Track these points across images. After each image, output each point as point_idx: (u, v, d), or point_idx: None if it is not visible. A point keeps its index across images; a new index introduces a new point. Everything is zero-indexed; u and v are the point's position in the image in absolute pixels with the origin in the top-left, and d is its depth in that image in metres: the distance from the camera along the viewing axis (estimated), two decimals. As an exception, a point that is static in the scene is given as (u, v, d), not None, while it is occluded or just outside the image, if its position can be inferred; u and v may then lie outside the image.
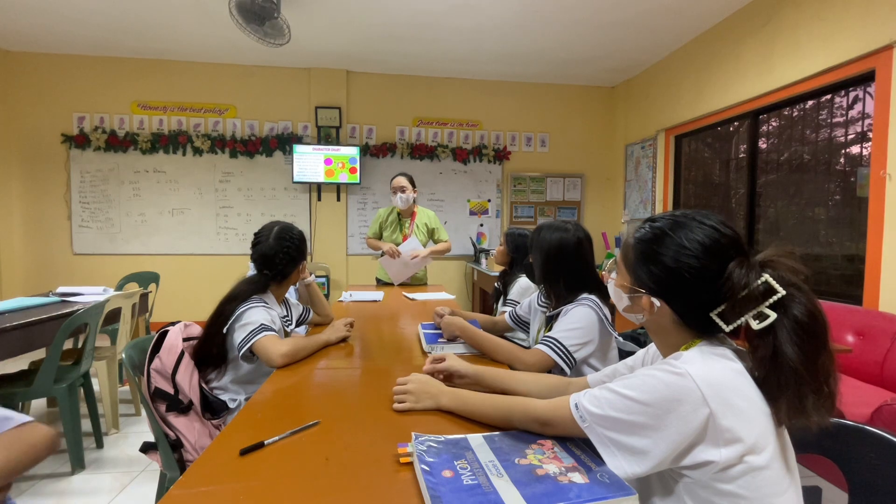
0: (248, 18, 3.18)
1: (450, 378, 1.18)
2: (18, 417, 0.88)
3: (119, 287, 3.81)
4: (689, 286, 0.76)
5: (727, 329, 0.73)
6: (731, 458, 0.66)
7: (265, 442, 0.87)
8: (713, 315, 0.74)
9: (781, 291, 0.68)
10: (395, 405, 1.05)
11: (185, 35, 4.18)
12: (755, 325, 0.70)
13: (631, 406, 0.70)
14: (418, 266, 3.14)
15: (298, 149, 4.81)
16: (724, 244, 0.75)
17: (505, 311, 2.01)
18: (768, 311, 0.69)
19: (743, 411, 0.67)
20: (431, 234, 3.28)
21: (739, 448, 0.66)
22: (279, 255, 1.65)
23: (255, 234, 1.71)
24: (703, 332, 0.77)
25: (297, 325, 1.91)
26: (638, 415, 0.69)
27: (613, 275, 0.90)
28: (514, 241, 2.39)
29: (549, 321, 1.59)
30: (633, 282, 0.83)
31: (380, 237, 3.25)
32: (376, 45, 4.37)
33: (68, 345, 2.81)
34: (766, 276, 0.69)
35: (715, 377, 0.68)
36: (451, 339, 1.62)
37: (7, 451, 0.82)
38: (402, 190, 3.08)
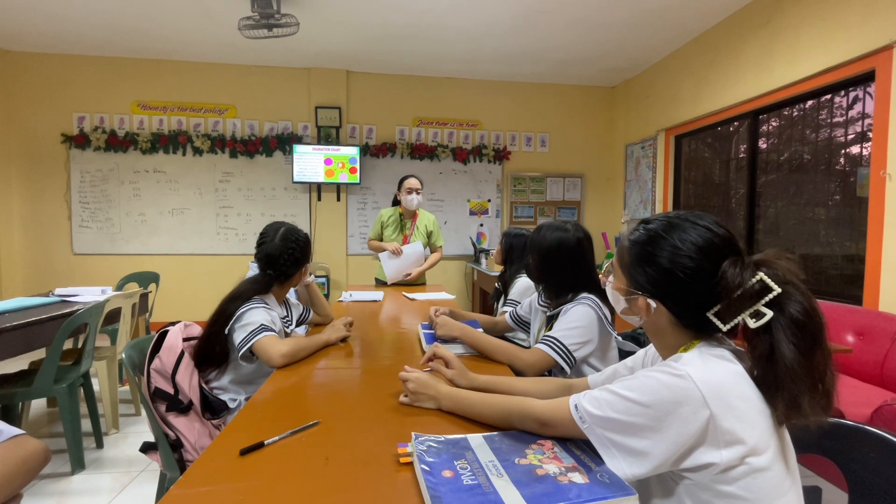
0: (257, 28, 3.30)
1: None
2: (9, 430, 0.86)
3: (119, 287, 3.80)
4: (685, 287, 0.76)
5: (724, 328, 0.73)
6: (732, 459, 0.66)
7: (265, 442, 0.87)
8: (709, 315, 0.74)
9: (777, 289, 0.68)
10: (400, 397, 1.10)
11: (185, 35, 4.18)
12: (752, 323, 0.70)
13: (631, 408, 0.70)
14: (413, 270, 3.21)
15: (298, 149, 4.81)
16: (717, 244, 0.75)
17: (505, 311, 2.01)
18: (764, 310, 0.69)
19: (743, 413, 0.67)
20: (429, 237, 3.32)
21: (740, 450, 0.66)
22: (284, 257, 1.65)
23: (261, 234, 1.71)
24: (701, 332, 0.77)
25: (298, 325, 1.91)
26: (638, 416, 0.69)
27: (610, 278, 0.90)
28: (508, 241, 2.39)
29: (550, 321, 1.59)
30: (629, 284, 0.84)
31: (381, 238, 3.28)
32: (376, 45, 4.37)
33: (68, 345, 2.81)
34: (761, 274, 0.69)
35: (715, 379, 0.68)
36: (450, 341, 1.62)
37: (1, 464, 0.80)
38: (417, 192, 3.16)
